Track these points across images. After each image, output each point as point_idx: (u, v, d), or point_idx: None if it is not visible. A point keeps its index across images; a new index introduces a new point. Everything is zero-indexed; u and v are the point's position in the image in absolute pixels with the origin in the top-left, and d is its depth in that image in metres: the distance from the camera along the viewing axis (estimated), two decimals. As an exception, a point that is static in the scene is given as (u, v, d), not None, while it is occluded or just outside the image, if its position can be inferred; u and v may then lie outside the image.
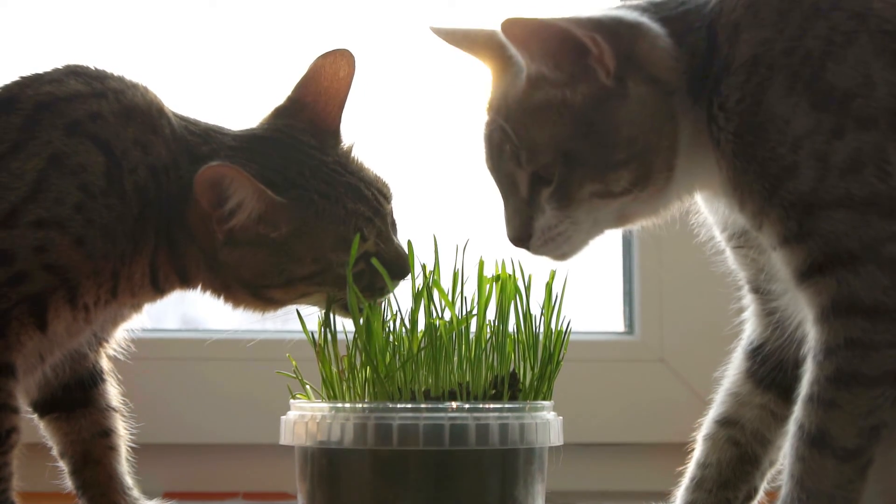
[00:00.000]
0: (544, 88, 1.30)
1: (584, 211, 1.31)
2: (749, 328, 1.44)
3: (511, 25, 1.27)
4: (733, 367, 1.45)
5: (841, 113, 1.23)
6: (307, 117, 1.49)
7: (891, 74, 1.23)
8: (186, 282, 1.45)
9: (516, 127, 1.31)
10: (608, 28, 1.28)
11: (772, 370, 1.41)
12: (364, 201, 1.44)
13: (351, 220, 1.41)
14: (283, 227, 1.40)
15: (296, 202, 1.41)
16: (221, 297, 1.46)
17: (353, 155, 1.49)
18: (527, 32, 1.28)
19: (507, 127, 1.31)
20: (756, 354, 1.42)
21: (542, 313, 1.39)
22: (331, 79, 1.49)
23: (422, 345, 1.35)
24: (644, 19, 1.29)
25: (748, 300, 1.44)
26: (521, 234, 1.34)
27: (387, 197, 1.48)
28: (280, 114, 1.50)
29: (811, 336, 1.26)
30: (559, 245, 1.33)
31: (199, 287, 1.46)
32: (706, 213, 1.42)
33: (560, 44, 1.27)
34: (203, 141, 1.44)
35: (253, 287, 1.43)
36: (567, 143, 1.29)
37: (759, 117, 1.25)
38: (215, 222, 1.39)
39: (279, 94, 1.51)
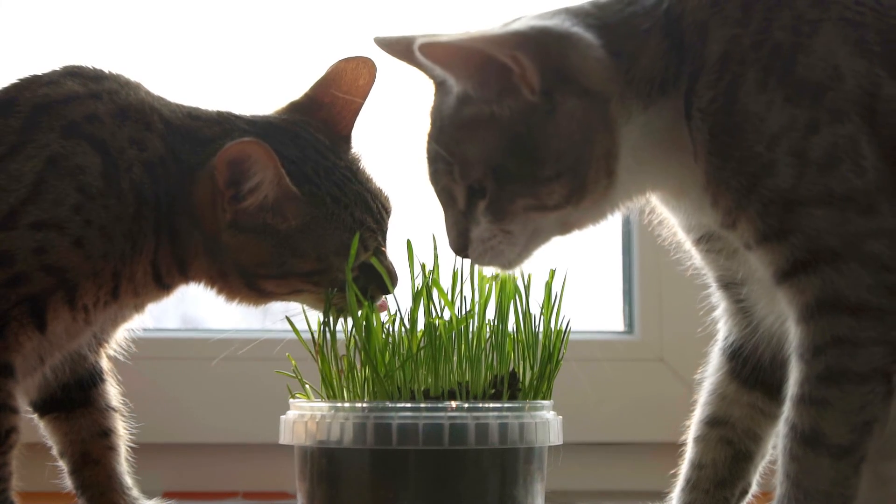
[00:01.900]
0: (472, 104, 1.27)
1: (519, 223, 1.29)
2: (724, 328, 1.44)
3: (428, 48, 1.23)
4: (714, 368, 1.45)
5: (814, 107, 1.22)
6: (322, 117, 1.50)
7: (856, 64, 1.23)
8: (184, 271, 1.45)
9: (449, 142, 1.29)
10: (534, 41, 1.24)
11: (754, 369, 1.41)
12: (370, 213, 1.45)
13: (356, 229, 1.41)
14: (293, 221, 1.41)
15: (308, 198, 1.42)
16: (216, 287, 1.46)
17: (361, 165, 1.50)
18: (446, 54, 1.24)
19: (440, 141, 1.29)
20: (737, 355, 1.42)
21: (541, 312, 1.39)
22: (350, 84, 1.50)
23: (421, 344, 1.35)
24: (576, 29, 1.26)
25: (718, 297, 1.43)
26: (459, 246, 1.32)
27: (388, 212, 1.48)
28: (296, 108, 1.51)
29: (795, 335, 1.25)
30: (496, 256, 1.31)
31: (195, 275, 1.46)
32: (665, 212, 1.40)
33: (482, 63, 1.24)
34: (215, 122, 1.45)
35: (248, 275, 1.43)
36: (496, 159, 1.26)
37: (734, 116, 1.24)
38: (227, 201, 1.39)
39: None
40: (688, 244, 1.40)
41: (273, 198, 1.39)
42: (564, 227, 1.32)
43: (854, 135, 1.22)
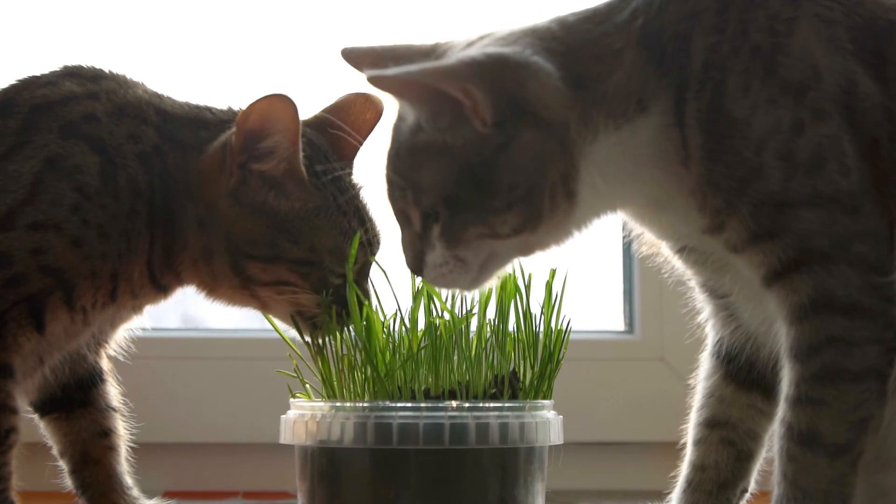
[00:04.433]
0: (425, 132, 1.25)
1: (472, 250, 1.26)
2: (713, 332, 1.43)
3: (378, 81, 1.22)
4: (708, 372, 1.44)
5: (797, 108, 1.22)
6: (328, 140, 1.50)
7: (832, 62, 1.23)
8: (173, 258, 1.43)
9: (403, 167, 1.27)
10: (489, 71, 1.21)
11: (749, 371, 1.40)
12: (364, 230, 1.45)
13: (351, 237, 1.41)
14: (295, 203, 1.41)
15: (315, 188, 1.42)
16: (199, 274, 1.44)
17: (362, 192, 1.50)
18: (397, 87, 1.23)
19: (395, 167, 1.28)
20: (730, 359, 1.41)
21: (542, 312, 1.39)
22: (357, 115, 1.52)
23: (422, 344, 1.35)
24: (535, 58, 1.23)
25: (703, 301, 1.43)
26: (415, 267, 1.31)
27: (378, 243, 1.48)
28: (305, 123, 1.51)
29: (787, 335, 1.25)
30: (450, 281, 1.29)
31: (181, 263, 1.44)
32: (638, 227, 1.38)
33: (434, 93, 1.21)
34: (225, 112, 1.47)
35: (236, 255, 1.41)
36: (448, 189, 1.24)
37: (721, 123, 1.23)
38: (236, 164, 1.39)
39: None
40: (669, 253, 1.39)
41: (282, 172, 1.40)
42: (525, 250, 1.30)
43: (836, 133, 1.22)
